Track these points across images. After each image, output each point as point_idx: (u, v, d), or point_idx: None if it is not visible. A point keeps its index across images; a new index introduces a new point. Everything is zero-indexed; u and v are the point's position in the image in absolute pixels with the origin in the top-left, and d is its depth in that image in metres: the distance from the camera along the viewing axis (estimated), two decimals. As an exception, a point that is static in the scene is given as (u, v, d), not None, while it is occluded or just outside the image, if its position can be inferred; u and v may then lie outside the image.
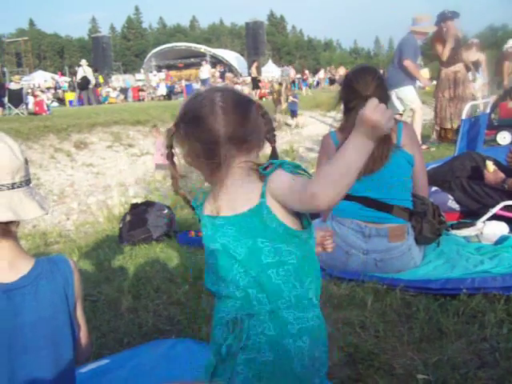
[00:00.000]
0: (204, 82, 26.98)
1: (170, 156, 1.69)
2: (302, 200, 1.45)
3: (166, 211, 4.96)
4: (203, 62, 29.03)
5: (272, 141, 1.72)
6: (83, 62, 23.80)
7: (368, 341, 2.69)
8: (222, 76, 30.14)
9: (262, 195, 1.57)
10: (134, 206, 5.17)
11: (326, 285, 3.41)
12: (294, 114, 20.19)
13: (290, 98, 20.19)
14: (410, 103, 8.87)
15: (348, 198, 3.60)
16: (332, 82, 35.90)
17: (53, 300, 1.59)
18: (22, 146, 12.61)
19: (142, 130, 15.61)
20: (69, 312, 1.63)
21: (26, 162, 1.58)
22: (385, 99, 3.61)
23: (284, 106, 20.42)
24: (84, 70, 23.25)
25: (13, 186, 1.50)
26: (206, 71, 26.81)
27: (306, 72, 40.76)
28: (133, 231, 4.82)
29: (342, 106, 3.69)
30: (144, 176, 12.84)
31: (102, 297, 3.65)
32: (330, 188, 1.40)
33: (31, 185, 1.60)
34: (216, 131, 1.59)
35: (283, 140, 17.00)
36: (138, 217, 4.83)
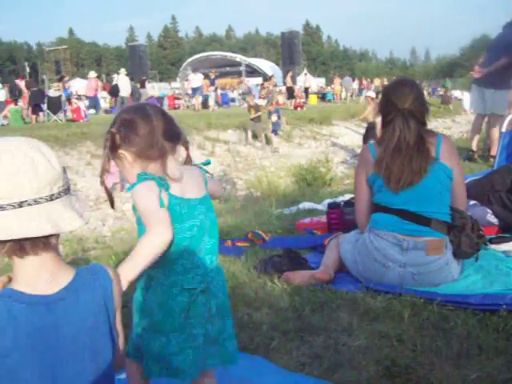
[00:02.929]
0: (195, 90, 26.67)
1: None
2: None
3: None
4: (193, 71, 28.74)
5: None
6: (122, 70, 24.12)
7: (405, 354, 2.68)
8: (213, 83, 29.94)
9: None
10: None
11: (362, 297, 3.41)
12: (275, 132, 18.25)
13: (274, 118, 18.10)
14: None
15: (386, 210, 3.61)
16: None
17: (93, 311, 1.59)
18: (60, 152, 12.82)
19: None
20: (109, 322, 1.64)
21: (64, 170, 1.55)
22: (422, 112, 3.60)
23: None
24: (118, 79, 23.57)
25: (51, 198, 1.47)
26: (198, 80, 26.67)
27: (364, 81, 40.52)
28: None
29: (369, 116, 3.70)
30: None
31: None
32: None
33: (71, 191, 1.58)
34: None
35: (317, 150, 16.98)
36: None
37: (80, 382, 1.55)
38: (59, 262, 1.56)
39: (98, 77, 24.58)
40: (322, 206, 6.51)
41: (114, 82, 24.40)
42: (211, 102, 27.13)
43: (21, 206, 1.42)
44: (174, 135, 2.09)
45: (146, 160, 2.03)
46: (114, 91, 24.15)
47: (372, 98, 17.18)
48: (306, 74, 30.41)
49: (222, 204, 9.02)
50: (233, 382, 2.47)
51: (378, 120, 3.85)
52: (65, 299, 1.52)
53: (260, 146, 17.12)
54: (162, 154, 2.03)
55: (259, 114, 17.73)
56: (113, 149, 2.04)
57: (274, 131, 17.99)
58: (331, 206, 5.29)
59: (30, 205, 1.43)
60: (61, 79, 22.79)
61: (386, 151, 3.53)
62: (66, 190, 1.54)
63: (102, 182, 2.10)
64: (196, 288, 2.03)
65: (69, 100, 23.02)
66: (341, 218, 5.03)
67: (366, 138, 16.67)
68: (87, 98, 24.81)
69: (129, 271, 1.86)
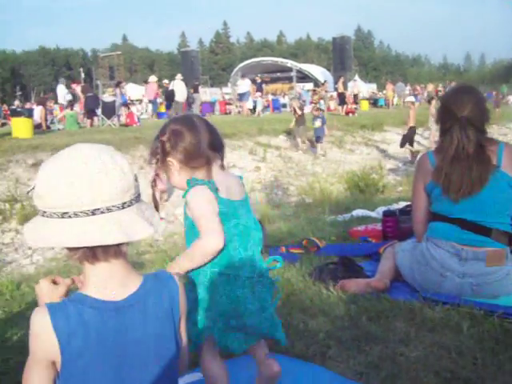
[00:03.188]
0: (242, 95, 26.85)
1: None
2: None
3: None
4: (242, 77, 28.85)
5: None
6: (178, 76, 24.45)
7: (465, 367, 2.63)
8: (259, 89, 30.02)
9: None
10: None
11: (419, 307, 3.36)
12: (319, 140, 17.20)
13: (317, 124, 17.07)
14: None
15: (444, 219, 3.55)
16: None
17: (160, 317, 1.61)
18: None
19: (228, 144, 15.81)
20: (174, 328, 1.66)
21: (136, 178, 1.57)
22: (481, 120, 3.53)
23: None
24: (174, 84, 23.91)
25: (123, 206, 1.49)
26: (245, 85, 26.73)
27: (418, 87, 40.06)
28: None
29: (430, 124, 3.65)
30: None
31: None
32: None
33: (141, 200, 1.59)
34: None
35: (369, 156, 16.84)
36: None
37: None
38: (128, 268, 1.60)
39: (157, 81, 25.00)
40: (376, 214, 6.46)
41: (170, 87, 24.79)
42: (258, 108, 27.19)
43: (94, 214, 1.45)
44: (217, 145, 2.30)
45: (192, 168, 2.24)
46: (169, 96, 24.54)
47: (412, 103, 16.99)
48: (355, 80, 30.09)
49: (274, 210, 9.04)
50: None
51: (435, 127, 3.79)
52: (133, 305, 1.56)
53: (305, 150, 16.89)
54: (208, 161, 2.24)
55: (298, 113, 17.33)
56: (163, 156, 2.25)
57: (318, 138, 17.04)
58: (386, 213, 5.25)
59: (102, 213, 1.46)
60: (118, 84, 23.22)
61: (445, 160, 3.48)
62: (137, 198, 1.57)
63: (154, 186, 2.28)
64: (253, 277, 2.22)
65: (126, 105, 23.50)
66: (396, 226, 4.98)
67: (404, 142, 16.52)
68: (150, 101, 25.24)
69: (174, 268, 2.11)
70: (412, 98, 18.59)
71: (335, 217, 6.86)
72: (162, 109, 27.41)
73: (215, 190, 2.18)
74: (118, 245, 1.50)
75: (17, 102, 29.67)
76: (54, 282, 1.66)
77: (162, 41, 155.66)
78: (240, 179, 2.40)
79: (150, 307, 1.59)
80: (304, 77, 43.26)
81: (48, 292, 1.62)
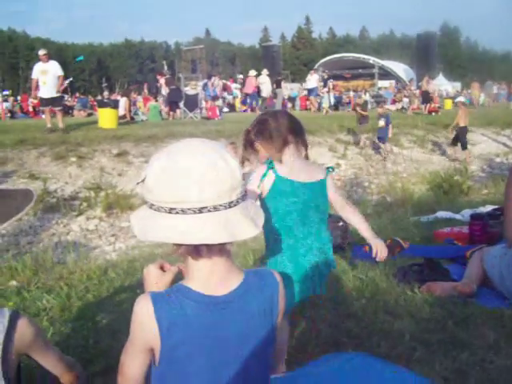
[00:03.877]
0: (311, 91, 26.41)
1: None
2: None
3: (340, 223, 4.99)
4: (311, 72, 28.34)
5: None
6: (264, 71, 24.70)
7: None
8: (325, 85, 30.06)
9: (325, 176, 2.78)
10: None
11: (510, 314, 3.28)
12: (381, 140, 15.94)
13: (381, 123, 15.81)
14: None
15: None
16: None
17: (259, 314, 1.62)
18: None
19: (310, 140, 15.77)
20: (272, 325, 1.67)
21: (243, 177, 1.55)
22: None
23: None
24: (260, 79, 24.20)
25: (230, 205, 1.48)
26: (313, 81, 26.33)
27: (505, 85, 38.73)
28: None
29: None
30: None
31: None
32: None
33: (246, 198, 1.58)
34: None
35: (452, 157, 16.41)
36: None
37: (241, 381, 1.60)
38: (231, 264, 1.61)
39: (256, 76, 25.21)
40: (461, 216, 6.32)
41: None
42: (324, 104, 26.72)
43: (201, 212, 1.45)
44: (297, 129, 2.74)
45: (272, 148, 2.70)
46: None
47: (463, 103, 16.42)
48: (427, 79, 29.21)
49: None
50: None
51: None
52: (233, 301, 1.57)
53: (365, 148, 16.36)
54: (286, 143, 2.69)
55: (362, 113, 16.90)
56: (250, 143, 2.74)
57: (381, 139, 15.87)
58: (474, 217, 5.12)
59: (209, 211, 1.45)
60: (209, 78, 23.62)
61: None
62: (244, 197, 1.56)
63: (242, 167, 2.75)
64: (312, 248, 2.71)
65: (216, 98, 23.96)
66: (484, 230, 4.86)
67: (455, 141, 15.96)
68: (247, 95, 25.53)
69: None
70: (462, 99, 18.07)
71: (418, 217, 6.74)
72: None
73: (272, 167, 2.67)
74: (223, 243, 1.49)
75: (105, 93, 30.50)
76: (162, 268, 1.69)
77: (244, 35, 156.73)
78: (326, 171, 2.81)
79: (250, 304, 1.60)
80: (386, 74, 42.54)
81: (156, 277, 1.66)
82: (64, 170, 10.99)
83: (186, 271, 1.61)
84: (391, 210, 8.36)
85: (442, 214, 6.71)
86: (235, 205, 1.50)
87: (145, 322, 1.50)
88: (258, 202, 2.65)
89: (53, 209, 9.65)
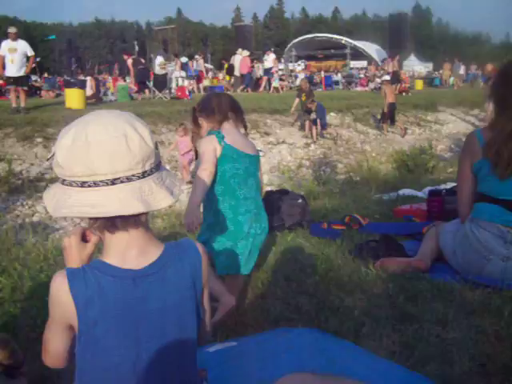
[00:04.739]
0: (267, 71, 25.96)
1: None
2: None
3: (299, 200, 4.97)
4: (267, 52, 28.09)
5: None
6: (239, 51, 24.77)
7: (503, 353, 2.55)
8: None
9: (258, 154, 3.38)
10: (269, 194, 5.22)
11: (460, 289, 3.28)
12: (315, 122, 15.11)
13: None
14: None
15: (490, 200, 3.44)
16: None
17: (180, 287, 1.59)
18: (163, 128, 13.16)
19: (279, 119, 15.73)
20: (195, 298, 1.63)
21: (156, 146, 1.52)
22: None
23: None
24: (235, 59, 24.24)
25: (143, 175, 1.45)
26: (269, 61, 26.09)
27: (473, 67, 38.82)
28: (267, 218, 4.88)
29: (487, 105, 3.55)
30: (278, 164, 12.97)
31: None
32: None
33: (161, 168, 1.55)
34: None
35: (421, 137, 16.54)
36: (272, 204, 4.87)
37: (163, 357, 1.57)
38: (149, 237, 1.57)
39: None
40: (423, 194, 6.35)
41: (230, 62, 25.06)
42: (274, 84, 26.05)
43: (114, 184, 1.42)
44: (236, 108, 3.33)
45: (213, 122, 3.23)
46: (230, 70, 24.95)
47: (387, 81, 17.56)
48: (389, 57, 28.50)
49: (320, 187, 8.98)
50: (321, 361, 2.45)
51: (491, 107, 3.63)
52: (152, 274, 1.54)
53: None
54: (225, 118, 3.23)
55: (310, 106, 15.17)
56: (195, 119, 3.30)
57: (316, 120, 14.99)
58: (432, 193, 5.14)
59: (122, 182, 1.42)
60: (191, 58, 23.50)
61: (500, 135, 3.33)
62: (158, 166, 1.52)
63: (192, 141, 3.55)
64: (252, 210, 3.18)
65: (199, 78, 23.89)
66: (442, 207, 4.88)
67: (383, 118, 16.27)
68: (242, 75, 25.22)
69: (191, 198, 3.04)
70: (387, 77, 19.24)
71: (381, 195, 6.77)
72: (214, 82, 27.57)
73: (221, 138, 3.09)
74: (138, 214, 1.46)
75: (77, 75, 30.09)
76: (84, 236, 1.63)
77: (217, 15, 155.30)
78: (258, 154, 3.36)
79: (170, 277, 1.57)
80: (358, 54, 42.62)
81: (77, 249, 1.60)
82: (30, 151, 10.85)
83: (104, 248, 1.56)
84: (356, 189, 8.39)
85: (404, 191, 6.75)
86: (149, 174, 1.47)
87: (62, 299, 1.46)
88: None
89: (18, 190, 9.53)
